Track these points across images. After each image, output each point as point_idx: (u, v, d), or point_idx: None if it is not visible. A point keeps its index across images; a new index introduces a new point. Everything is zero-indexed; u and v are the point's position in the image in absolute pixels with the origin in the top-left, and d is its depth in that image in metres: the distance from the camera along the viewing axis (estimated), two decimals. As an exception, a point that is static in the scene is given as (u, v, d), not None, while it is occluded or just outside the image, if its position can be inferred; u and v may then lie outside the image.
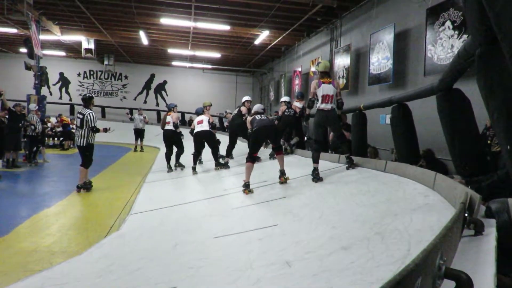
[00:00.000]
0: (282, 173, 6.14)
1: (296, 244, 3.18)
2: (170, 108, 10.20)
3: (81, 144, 7.42)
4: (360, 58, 10.93)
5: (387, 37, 9.00)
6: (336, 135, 6.29)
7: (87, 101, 7.55)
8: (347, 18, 11.82)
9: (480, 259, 1.63)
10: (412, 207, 3.35)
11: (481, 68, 3.22)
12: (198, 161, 9.26)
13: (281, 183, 6.04)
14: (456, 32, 6.88)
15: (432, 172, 3.89)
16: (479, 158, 4.42)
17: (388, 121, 8.09)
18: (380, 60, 9.29)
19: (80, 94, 23.76)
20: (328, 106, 5.73)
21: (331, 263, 2.43)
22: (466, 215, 2.14)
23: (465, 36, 6.59)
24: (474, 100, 4.45)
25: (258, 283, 2.46)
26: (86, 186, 7.52)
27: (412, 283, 0.93)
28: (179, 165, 9.68)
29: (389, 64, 8.92)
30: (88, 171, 7.60)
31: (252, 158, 6.21)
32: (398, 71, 8.78)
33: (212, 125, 8.93)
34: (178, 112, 11.78)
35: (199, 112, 9.30)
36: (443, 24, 7.18)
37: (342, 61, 11.51)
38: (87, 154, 7.47)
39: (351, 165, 5.92)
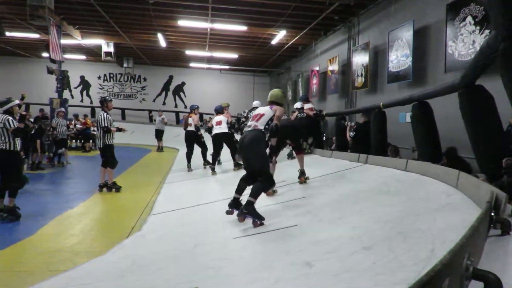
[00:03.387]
0: (302, 173, 6.06)
1: (316, 244, 3.16)
2: (192, 109, 10.29)
3: (100, 146, 7.63)
4: (378, 56, 10.79)
5: (406, 34, 8.87)
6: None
7: (102, 104, 7.80)
8: (364, 16, 11.69)
9: (508, 259, 1.59)
10: (435, 207, 3.29)
11: (504, 64, 3.14)
12: (217, 162, 9.30)
13: (300, 183, 6.01)
14: (478, 27, 6.72)
15: (455, 171, 3.81)
16: (504, 156, 4.31)
17: (408, 119, 7.97)
18: (399, 57, 9.16)
19: (101, 97, 24.14)
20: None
21: (353, 263, 2.40)
22: (492, 214, 2.09)
23: (487, 31, 6.44)
24: (497, 96, 4.34)
25: (278, 283, 2.45)
26: (115, 186, 7.72)
27: (440, 284, 0.91)
28: (207, 163, 9.78)
29: (408, 62, 8.78)
30: (113, 172, 7.80)
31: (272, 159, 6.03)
32: (418, 68, 8.64)
33: (230, 124, 8.94)
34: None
35: (218, 110, 9.33)
36: (464, 19, 7.03)
37: (360, 59, 11.39)
38: (107, 155, 7.62)
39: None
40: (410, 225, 2.92)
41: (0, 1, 11.82)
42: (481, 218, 1.64)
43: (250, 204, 4.19)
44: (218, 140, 8.95)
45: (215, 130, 8.93)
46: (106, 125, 7.46)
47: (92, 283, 3.33)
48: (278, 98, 5.02)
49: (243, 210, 4.21)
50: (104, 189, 7.66)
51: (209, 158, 9.47)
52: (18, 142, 5.75)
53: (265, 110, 4.77)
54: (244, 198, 4.45)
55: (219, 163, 9.92)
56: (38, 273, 3.66)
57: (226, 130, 8.88)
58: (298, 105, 9.11)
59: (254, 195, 4.25)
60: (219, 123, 8.93)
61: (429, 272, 0.88)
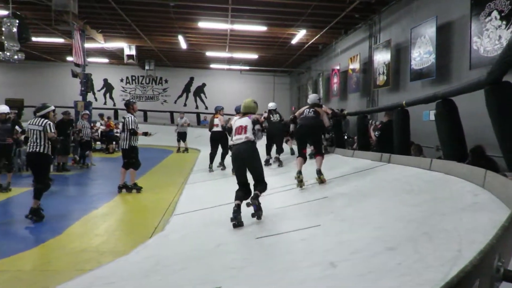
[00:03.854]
0: (319, 172, 6.16)
1: (340, 244, 3.13)
2: (217, 110, 10.30)
3: (124, 147, 7.80)
4: (400, 53, 10.63)
5: (429, 31, 8.70)
6: None
7: (127, 106, 8.00)
8: (386, 13, 11.54)
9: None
10: (461, 206, 3.22)
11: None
12: None
13: (319, 182, 6.08)
14: (504, 22, 6.55)
15: (482, 170, 3.72)
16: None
17: (432, 117, 7.81)
18: (422, 54, 9.00)
19: (123, 99, 24.62)
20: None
21: (377, 264, 2.37)
22: (522, 214, 2.03)
23: (514, 26, 6.27)
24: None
25: (303, 284, 2.44)
26: (136, 187, 7.86)
27: (469, 285, 0.89)
28: (222, 164, 9.96)
29: (431, 59, 8.62)
30: (135, 173, 7.95)
31: (302, 154, 6.40)
32: (442, 65, 8.47)
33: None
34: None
35: (237, 111, 9.27)
36: (489, 14, 6.86)
37: (382, 57, 11.24)
38: (132, 156, 7.79)
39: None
40: (435, 225, 2.87)
41: (26, 7, 12.15)
42: (511, 217, 1.59)
43: (257, 197, 4.73)
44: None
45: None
46: (133, 127, 7.65)
47: (117, 282, 3.39)
48: (251, 108, 5.30)
49: (252, 200, 4.69)
50: (123, 190, 7.79)
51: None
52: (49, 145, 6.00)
53: (246, 122, 5.06)
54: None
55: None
56: (65, 272, 3.75)
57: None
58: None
59: (260, 191, 4.83)
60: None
61: (459, 274, 0.86)
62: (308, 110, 6.67)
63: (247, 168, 4.96)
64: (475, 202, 3.24)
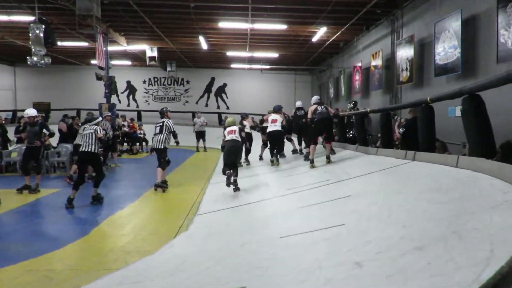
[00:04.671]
0: (328, 157, 8.27)
1: (365, 244, 3.08)
2: (243, 117, 11.60)
3: (160, 147, 8.60)
4: (424, 48, 10.43)
5: (454, 25, 8.50)
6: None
7: (162, 114, 9.16)
8: (408, 8, 11.33)
9: None
10: (491, 205, 3.12)
11: None
12: (279, 156, 10.43)
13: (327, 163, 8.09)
14: (533, 13, 6.34)
15: (512, 166, 3.60)
16: None
17: (457, 113, 7.63)
18: (447, 49, 8.79)
19: (146, 101, 25.01)
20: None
21: (405, 264, 2.32)
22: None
23: (543, 18, 6.06)
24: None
25: (328, 284, 2.42)
26: (162, 185, 8.30)
27: (508, 286, 0.86)
28: (246, 160, 11.21)
29: (456, 53, 8.42)
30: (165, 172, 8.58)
31: (315, 142, 8.63)
32: (467, 59, 8.26)
33: (287, 120, 10.47)
34: (238, 113, 13.47)
35: (275, 109, 10.40)
36: (517, 6, 6.65)
37: (405, 53, 11.04)
38: (164, 156, 8.60)
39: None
40: (465, 224, 2.79)
41: (52, 12, 12.45)
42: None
43: (236, 175, 7.51)
44: (273, 137, 9.97)
45: (270, 128, 9.93)
46: (174, 130, 8.77)
47: (144, 281, 3.44)
48: (233, 123, 8.17)
49: (235, 179, 7.42)
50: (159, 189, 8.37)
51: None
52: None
53: (236, 128, 7.94)
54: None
55: (261, 159, 11.48)
56: (93, 272, 3.83)
57: (279, 128, 9.86)
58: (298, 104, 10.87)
59: (237, 175, 7.59)
60: (274, 121, 9.90)
61: (495, 275, 0.83)
62: (321, 107, 8.56)
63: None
64: (505, 200, 3.14)
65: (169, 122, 8.75)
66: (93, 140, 7.16)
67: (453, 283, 1.79)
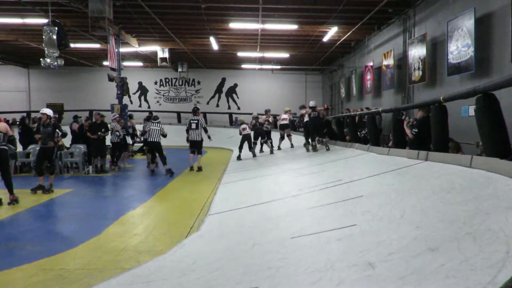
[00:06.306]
0: (326, 145, 10.58)
1: (378, 244, 3.06)
2: (266, 111, 14.18)
3: (198, 139, 11.20)
4: (436, 47, 10.32)
5: (467, 23, 8.40)
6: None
7: (195, 112, 11.46)
8: (420, 7, 11.23)
9: None
10: (506, 205, 3.07)
11: None
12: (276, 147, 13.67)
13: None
14: (549, 11, 6.23)
15: (528, 166, 3.54)
16: None
17: (471, 113, 7.54)
18: (460, 48, 8.69)
19: (157, 101, 25.17)
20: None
21: (419, 265, 2.30)
22: None
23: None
24: None
25: (341, 285, 2.40)
26: (200, 169, 11.11)
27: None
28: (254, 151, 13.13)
29: (470, 52, 8.31)
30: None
31: (313, 138, 11.13)
32: (481, 58, 8.16)
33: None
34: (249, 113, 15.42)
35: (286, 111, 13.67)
36: (532, 3, 6.55)
37: (417, 52, 10.95)
38: (201, 146, 11.33)
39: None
40: (479, 225, 2.75)
41: (65, 15, 12.60)
42: None
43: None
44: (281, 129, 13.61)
45: (281, 122, 13.48)
46: (205, 126, 11.30)
47: (156, 281, 3.46)
48: (244, 122, 11.12)
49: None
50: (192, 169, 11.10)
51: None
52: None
53: (246, 126, 11.05)
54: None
55: (272, 152, 13.04)
56: (106, 271, 3.86)
57: (287, 122, 13.40)
58: (312, 103, 11.47)
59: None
60: (284, 119, 13.31)
61: (513, 277, 0.82)
62: (313, 113, 10.87)
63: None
64: (521, 200, 3.10)
65: (202, 120, 11.27)
66: (158, 133, 10.32)
67: (467, 285, 1.76)
